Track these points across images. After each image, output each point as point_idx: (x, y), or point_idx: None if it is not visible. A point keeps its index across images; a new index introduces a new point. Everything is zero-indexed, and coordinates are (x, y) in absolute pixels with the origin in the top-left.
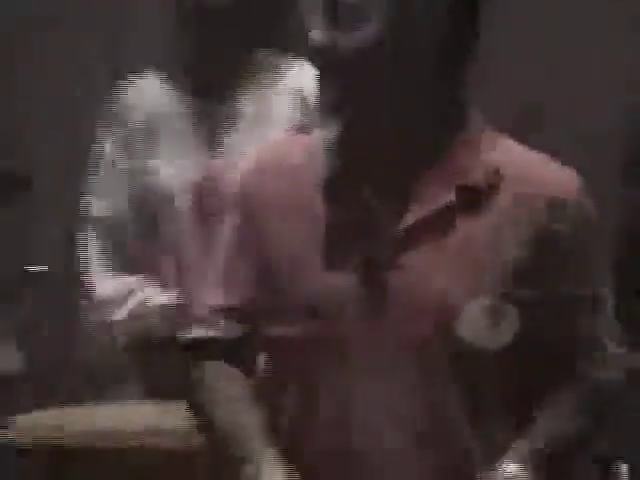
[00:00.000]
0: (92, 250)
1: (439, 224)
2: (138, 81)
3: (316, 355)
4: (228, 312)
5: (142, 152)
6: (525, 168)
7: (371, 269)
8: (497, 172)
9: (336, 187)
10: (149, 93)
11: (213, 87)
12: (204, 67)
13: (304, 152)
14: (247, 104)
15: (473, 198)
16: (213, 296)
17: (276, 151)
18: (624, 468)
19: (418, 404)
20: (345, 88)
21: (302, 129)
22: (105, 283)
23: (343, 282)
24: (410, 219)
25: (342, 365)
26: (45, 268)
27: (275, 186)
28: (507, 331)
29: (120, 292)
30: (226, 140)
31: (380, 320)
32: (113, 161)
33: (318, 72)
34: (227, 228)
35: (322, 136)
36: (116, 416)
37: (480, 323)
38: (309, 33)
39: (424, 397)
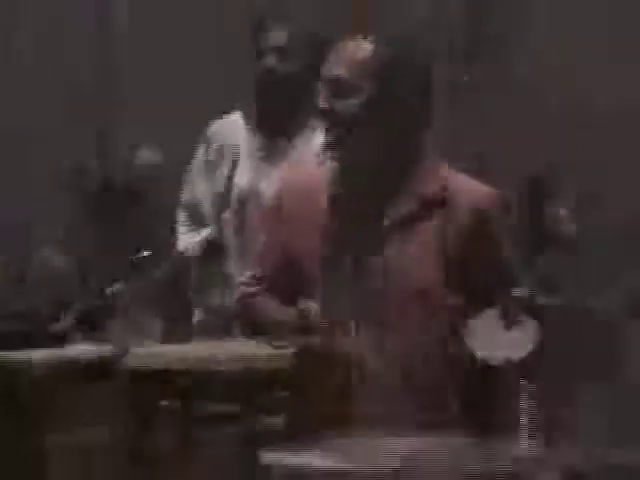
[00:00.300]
0: (180, 220)
1: (407, 225)
2: (225, 116)
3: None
4: (259, 280)
5: (219, 165)
6: (461, 188)
7: (362, 256)
8: (445, 190)
9: (338, 199)
10: (231, 126)
11: (274, 129)
12: (268, 116)
13: (317, 176)
14: (295, 144)
15: (429, 208)
16: (251, 270)
17: (298, 174)
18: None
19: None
20: (341, 136)
21: (320, 162)
22: (184, 240)
23: (343, 265)
24: (387, 222)
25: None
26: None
27: (296, 198)
28: (525, 343)
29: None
30: (278, 166)
31: (368, 289)
32: (199, 170)
33: (324, 125)
34: (264, 227)
35: (328, 166)
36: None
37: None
38: (317, 100)
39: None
